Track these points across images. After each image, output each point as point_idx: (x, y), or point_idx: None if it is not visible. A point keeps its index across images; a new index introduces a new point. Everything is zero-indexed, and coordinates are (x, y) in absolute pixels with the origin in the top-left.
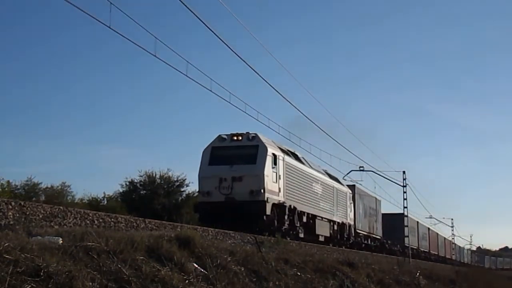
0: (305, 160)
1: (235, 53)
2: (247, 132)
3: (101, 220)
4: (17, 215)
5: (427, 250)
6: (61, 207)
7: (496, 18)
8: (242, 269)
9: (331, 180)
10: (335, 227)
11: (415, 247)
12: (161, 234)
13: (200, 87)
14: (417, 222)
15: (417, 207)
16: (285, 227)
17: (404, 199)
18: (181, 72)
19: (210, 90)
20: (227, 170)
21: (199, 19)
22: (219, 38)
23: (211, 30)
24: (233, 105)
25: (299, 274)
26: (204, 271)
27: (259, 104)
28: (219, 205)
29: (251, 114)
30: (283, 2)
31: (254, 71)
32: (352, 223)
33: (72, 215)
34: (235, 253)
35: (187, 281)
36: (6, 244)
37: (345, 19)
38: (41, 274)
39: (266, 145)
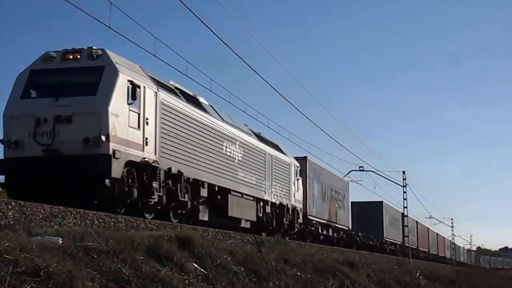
0: (214, 110)
1: (235, 53)
2: (89, 47)
3: (101, 220)
4: (17, 215)
5: (414, 247)
6: (61, 207)
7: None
8: (242, 269)
9: (261, 144)
10: (268, 209)
11: (399, 243)
12: (161, 234)
13: (200, 87)
14: (402, 213)
15: (417, 207)
16: (156, 200)
17: (404, 199)
18: (181, 72)
19: (210, 90)
20: (48, 105)
21: (199, 18)
22: (219, 39)
23: (211, 30)
24: (233, 105)
25: (299, 274)
26: (204, 271)
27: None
28: (34, 163)
29: (251, 114)
30: None
31: (254, 71)
32: (299, 206)
33: (72, 215)
34: (235, 253)
35: (187, 281)
36: (6, 244)
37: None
38: (41, 274)
39: (118, 66)
